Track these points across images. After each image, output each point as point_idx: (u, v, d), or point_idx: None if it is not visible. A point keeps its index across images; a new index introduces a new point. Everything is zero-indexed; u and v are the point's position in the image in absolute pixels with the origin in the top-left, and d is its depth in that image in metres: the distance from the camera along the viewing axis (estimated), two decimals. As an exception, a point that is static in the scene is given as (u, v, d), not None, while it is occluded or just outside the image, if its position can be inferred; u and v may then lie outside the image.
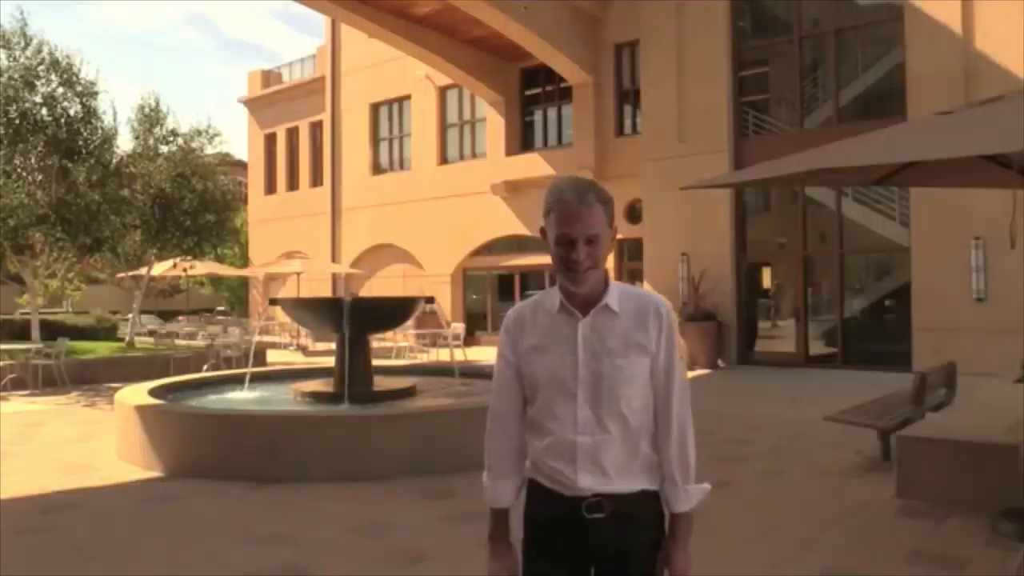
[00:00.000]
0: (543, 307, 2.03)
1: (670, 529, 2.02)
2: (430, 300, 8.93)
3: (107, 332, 18.99)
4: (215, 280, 32.30)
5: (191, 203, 16.23)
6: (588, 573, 2.01)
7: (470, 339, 19.67)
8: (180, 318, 24.55)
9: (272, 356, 16.83)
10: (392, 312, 9.36)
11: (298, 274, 21.44)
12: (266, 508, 5.51)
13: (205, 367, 13.32)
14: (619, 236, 17.93)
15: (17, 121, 13.54)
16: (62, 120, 13.95)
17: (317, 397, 7.90)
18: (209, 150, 17.47)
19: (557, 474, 1.97)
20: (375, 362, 8.66)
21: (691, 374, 13.94)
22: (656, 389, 2.00)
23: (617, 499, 1.95)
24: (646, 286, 16.23)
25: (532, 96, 20.37)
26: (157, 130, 16.42)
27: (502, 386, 2.08)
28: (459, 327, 17.05)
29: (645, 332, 1.97)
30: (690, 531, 2.03)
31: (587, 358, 1.94)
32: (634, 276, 17.41)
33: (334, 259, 24.25)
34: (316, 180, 25.97)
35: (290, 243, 26.25)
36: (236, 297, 33.15)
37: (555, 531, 1.99)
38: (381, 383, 8.37)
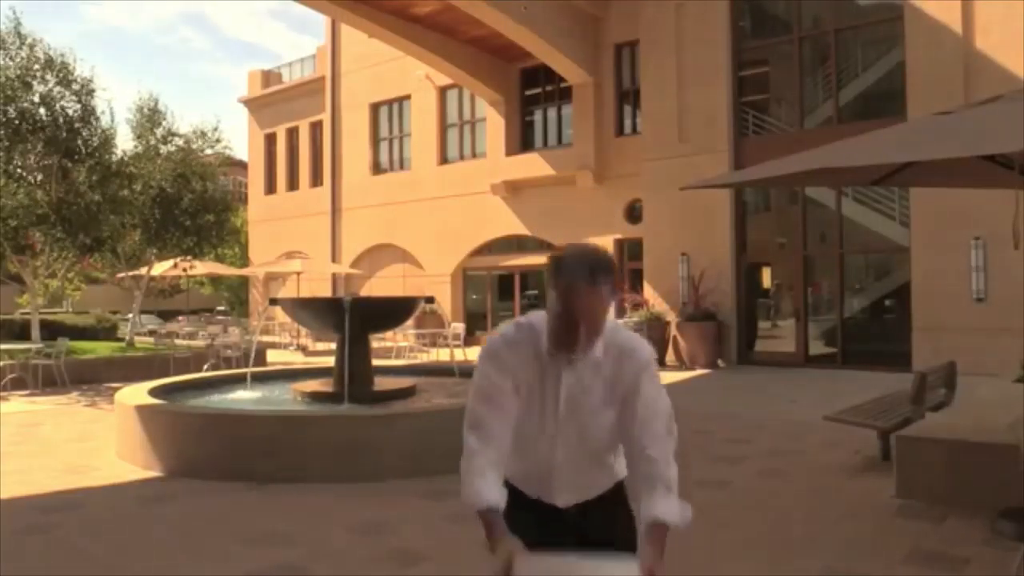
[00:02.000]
0: (534, 345, 2.06)
1: (651, 534, 1.90)
2: (430, 300, 8.94)
3: (107, 332, 18.98)
4: (215, 280, 32.26)
5: (191, 203, 16.23)
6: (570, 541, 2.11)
7: (470, 339, 19.66)
8: (180, 318, 24.53)
9: (272, 356, 16.82)
10: (392, 312, 9.36)
11: (298, 274, 21.43)
12: (265, 508, 5.51)
13: (205, 367, 13.31)
14: (619, 236, 17.95)
15: (16, 121, 13.52)
16: (61, 120, 13.93)
17: (317, 397, 7.90)
18: (209, 151, 17.47)
19: (535, 491, 2.16)
20: (375, 362, 8.66)
21: (691, 374, 13.95)
22: (642, 418, 2.00)
23: (597, 499, 2.17)
24: (646, 288, 16.23)
25: (532, 96, 20.35)
26: (157, 130, 16.41)
27: (493, 396, 2.05)
28: (459, 327, 17.05)
29: (624, 378, 2.02)
30: (664, 543, 1.92)
31: (568, 409, 2.04)
32: (634, 276, 17.40)
33: (334, 259, 24.25)
34: (316, 180, 25.97)
35: (290, 243, 26.25)
36: (236, 297, 33.12)
37: (535, 519, 2.10)
38: (381, 383, 8.37)
